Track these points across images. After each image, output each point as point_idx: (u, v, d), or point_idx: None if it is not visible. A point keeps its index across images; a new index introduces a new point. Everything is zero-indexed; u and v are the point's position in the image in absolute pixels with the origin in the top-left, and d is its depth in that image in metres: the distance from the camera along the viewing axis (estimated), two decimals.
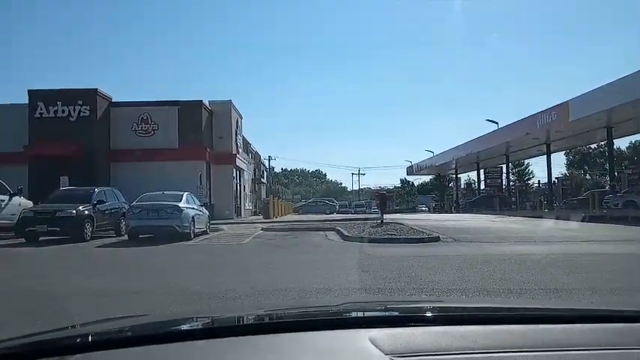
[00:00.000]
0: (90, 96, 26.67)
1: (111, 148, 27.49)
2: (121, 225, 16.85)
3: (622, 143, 56.89)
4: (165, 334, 1.21)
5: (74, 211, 14.91)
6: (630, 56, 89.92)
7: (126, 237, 15.80)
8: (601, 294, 5.86)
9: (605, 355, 1.02)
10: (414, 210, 55.60)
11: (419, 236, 13.72)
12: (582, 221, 20.48)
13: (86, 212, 15.39)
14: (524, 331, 1.12)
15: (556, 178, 45.70)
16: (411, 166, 61.98)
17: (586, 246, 11.53)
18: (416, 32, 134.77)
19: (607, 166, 38.61)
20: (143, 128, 28.05)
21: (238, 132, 33.92)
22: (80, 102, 26.34)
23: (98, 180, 22.36)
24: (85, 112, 26.39)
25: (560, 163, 67.50)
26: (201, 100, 29.33)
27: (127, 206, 16.94)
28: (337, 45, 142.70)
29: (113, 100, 28.52)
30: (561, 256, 9.62)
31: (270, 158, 64.72)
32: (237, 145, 33.05)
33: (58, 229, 14.67)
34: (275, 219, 28.18)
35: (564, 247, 11.43)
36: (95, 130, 26.39)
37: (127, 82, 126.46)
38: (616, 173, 37.23)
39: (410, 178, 76.84)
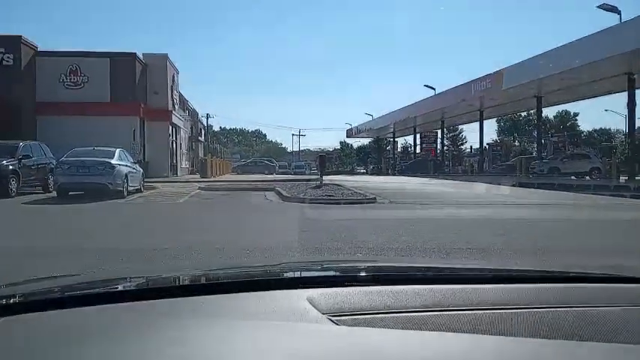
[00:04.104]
0: (13, 43, 24.94)
1: (37, 100, 25.97)
2: (49, 181, 16.14)
3: (550, 112, 59.64)
4: (99, 294, 1.18)
5: None
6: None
7: (54, 194, 15.16)
8: (524, 255, 6.22)
9: (523, 313, 1.08)
10: (352, 172, 56.36)
11: (356, 198, 14.00)
12: (512, 186, 21.45)
13: (10, 167, 14.63)
14: (453, 291, 1.17)
15: (487, 143, 47.52)
16: (351, 129, 62.57)
17: (514, 210, 12.12)
18: None
19: (535, 133, 40.42)
20: (72, 80, 26.62)
21: (175, 87, 32.84)
22: (2, 49, 24.60)
23: (23, 134, 21.19)
24: (7, 61, 24.71)
25: (491, 129, 70.08)
26: (135, 53, 28.09)
27: (54, 162, 16.20)
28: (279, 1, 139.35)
29: (39, 49, 26.80)
30: (489, 218, 10.09)
31: (208, 116, 63.37)
32: (173, 101, 32.05)
33: None
34: (213, 178, 27.82)
35: (493, 210, 11.98)
36: (19, 80, 24.79)
37: (56, 31, 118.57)
38: (543, 140, 39.15)
39: (349, 141, 77.58)
